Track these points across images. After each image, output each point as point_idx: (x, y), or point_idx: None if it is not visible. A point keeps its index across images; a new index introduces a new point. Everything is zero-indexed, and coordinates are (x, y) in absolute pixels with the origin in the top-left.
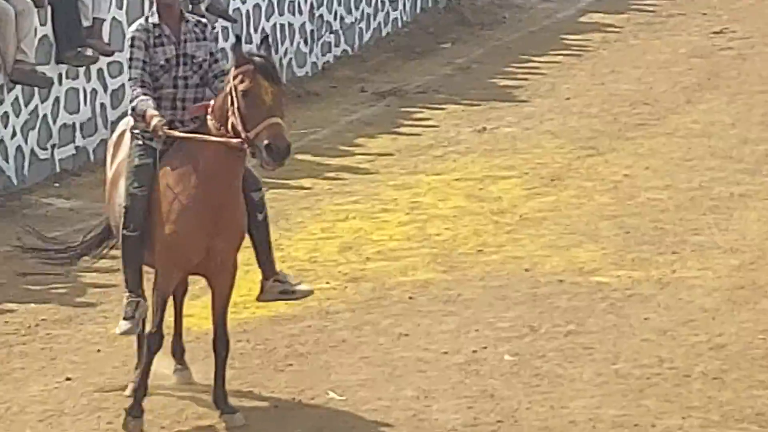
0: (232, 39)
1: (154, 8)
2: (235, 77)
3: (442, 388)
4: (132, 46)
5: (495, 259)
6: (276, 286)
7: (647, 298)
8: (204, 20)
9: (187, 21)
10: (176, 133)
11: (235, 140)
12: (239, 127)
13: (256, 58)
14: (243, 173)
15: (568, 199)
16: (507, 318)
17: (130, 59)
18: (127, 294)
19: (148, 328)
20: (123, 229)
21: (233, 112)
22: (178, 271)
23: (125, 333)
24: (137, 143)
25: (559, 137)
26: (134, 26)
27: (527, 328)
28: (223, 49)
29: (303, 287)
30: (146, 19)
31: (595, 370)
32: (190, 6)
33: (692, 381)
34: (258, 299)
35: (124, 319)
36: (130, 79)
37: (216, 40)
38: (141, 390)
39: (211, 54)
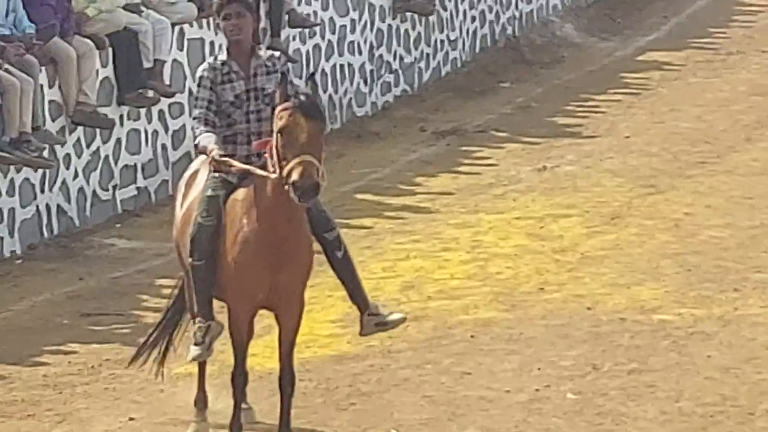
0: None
1: (225, 46)
2: (277, 114)
3: (505, 427)
4: (198, 85)
5: (556, 297)
6: (372, 320)
7: (710, 336)
8: (277, 53)
9: (258, 56)
10: (233, 162)
11: (273, 175)
12: (275, 164)
13: (299, 97)
14: (312, 213)
15: (629, 238)
16: (569, 356)
17: (196, 98)
18: (198, 319)
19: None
20: (189, 257)
21: (272, 149)
22: (245, 305)
23: (195, 359)
24: (213, 176)
25: (620, 176)
26: (203, 65)
27: (590, 366)
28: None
29: (395, 317)
30: (215, 58)
31: (658, 409)
32: (269, 38)
33: (756, 419)
34: (360, 334)
35: (195, 344)
36: (194, 118)
37: (288, 71)
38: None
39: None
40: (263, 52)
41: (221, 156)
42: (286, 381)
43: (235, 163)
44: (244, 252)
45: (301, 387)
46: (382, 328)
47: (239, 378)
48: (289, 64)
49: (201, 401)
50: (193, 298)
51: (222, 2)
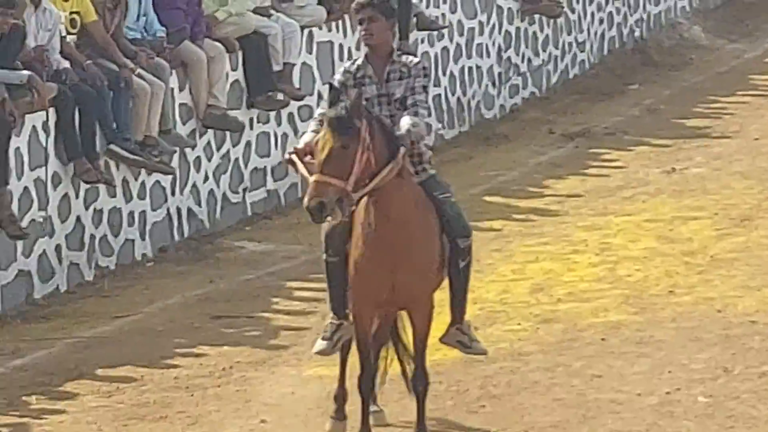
0: None
1: (363, 49)
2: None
3: (636, 430)
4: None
5: (686, 300)
6: (456, 335)
7: None
8: (414, 59)
9: (393, 61)
10: (296, 161)
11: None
12: None
13: (330, 110)
14: (447, 217)
15: (758, 240)
16: (700, 359)
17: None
18: (331, 315)
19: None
20: (323, 253)
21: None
22: (364, 305)
23: (320, 353)
24: None
25: (749, 178)
26: (341, 68)
27: (720, 369)
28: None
29: (478, 346)
30: (354, 62)
31: None
32: (397, 41)
33: None
34: (440, 340)
35: (322, 339)
36: (313, 118)
37: (423, 75)
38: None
39: (412, 89)
40: (402, 57)
41: (290, 153)
42: (419, 381)
43: (298, 163)
44: (362, 252)
45: (431, 389)
46: (461, 348)
47: (365, 382)
48: (425, 70)
49: (340, 397)
50: (329, 294)
51: (357, 7)
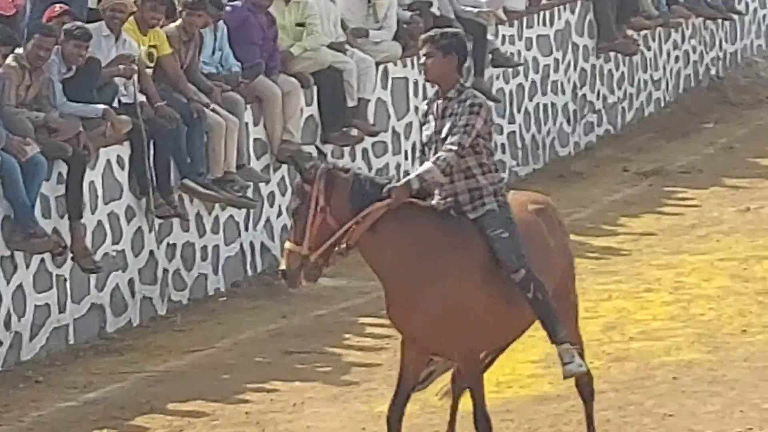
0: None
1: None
2: None
3: None
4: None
5: (760, 339)
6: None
7: None
8: (469, 93)
9: (449, 98)
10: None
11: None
12: None
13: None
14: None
15: None
16: None
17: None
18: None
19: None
20: None
21: None
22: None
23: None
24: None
25: None
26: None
27: None
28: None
29: (570, 367)
30: (436, 93)
31: None
32: (472, 77)
33: None
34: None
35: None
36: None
37: (470, 112)
38: None
39: (453, 127)
40: (462, 94)
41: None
42: (478, 424)
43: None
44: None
45: (502, 427)
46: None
47: (389, 416)
48: (473, 107)
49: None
50: None
51: (420, 43)
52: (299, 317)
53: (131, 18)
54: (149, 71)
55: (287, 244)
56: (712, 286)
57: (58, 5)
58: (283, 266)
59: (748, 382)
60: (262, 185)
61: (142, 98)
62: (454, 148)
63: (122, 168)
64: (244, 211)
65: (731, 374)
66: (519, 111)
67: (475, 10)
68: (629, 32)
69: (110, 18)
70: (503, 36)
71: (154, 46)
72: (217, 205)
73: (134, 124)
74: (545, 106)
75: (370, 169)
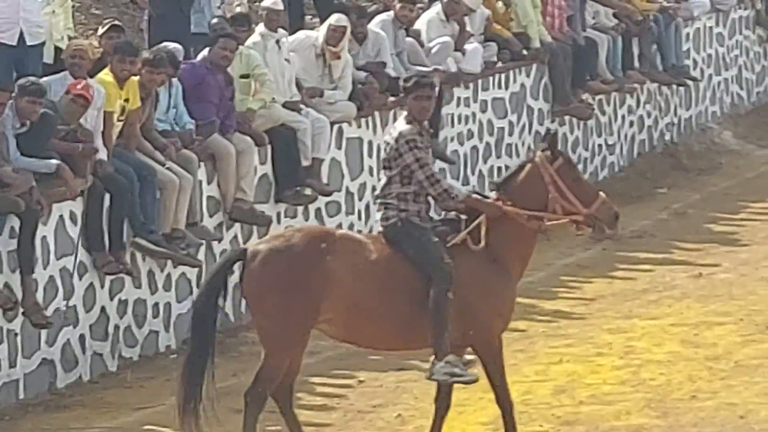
0: (448, 179)
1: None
2: None
3: None
4: (417, 147)
5: (709, 405)
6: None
7: None
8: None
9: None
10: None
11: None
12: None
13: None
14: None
15: None
16: None
17: (418, 159)
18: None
19: None
20: None
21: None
22: None
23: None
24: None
25: None
26: (407, 129)
27: None
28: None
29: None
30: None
31: None
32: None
33: None
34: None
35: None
36: (428, 177)
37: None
38: None
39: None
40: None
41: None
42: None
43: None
44: None
45: None
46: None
47: None
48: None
49: None
50: None
51: (416, 86)
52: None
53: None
54: (119, 125)
55: None
56: (663, 351)
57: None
58: None
59: None
60: (214, 243)
61: (103, 155)
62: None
63: (75, 224)
64: (196, 268)
65: None
66: (473, 173)
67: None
68: (584, 96)
69: (71, 65)
70: (458, 98)
71: (126, 100)
72: (169, 262)
73: (92, 180)
74: (499, 168)
75: None
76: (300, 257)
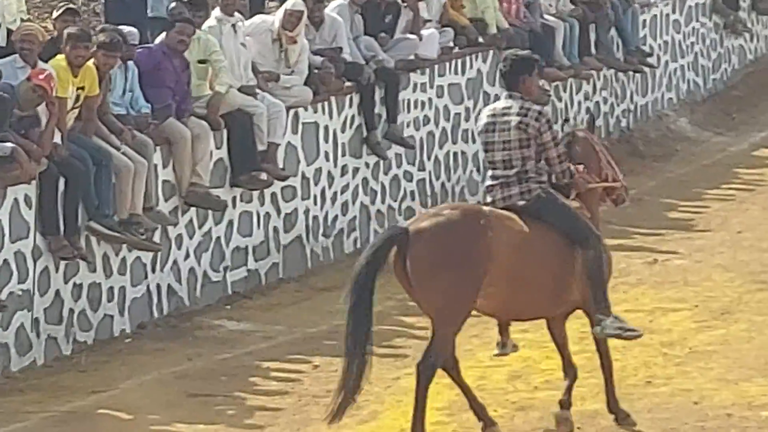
0: (404, 166)
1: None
2: None
3: None
4: (552, 127)
5: (663, 391)
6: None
7: None
8: None
9: None
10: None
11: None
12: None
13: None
14: None
15: (738, 333)
16: None
17: (554, 138)
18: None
19: None
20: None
21: None
22: None
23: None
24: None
25: (730, 271)
26: (544, 109)
27: None
28: None
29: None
30: None
31: None
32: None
33: None
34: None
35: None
36: (560, 155)
37: None
38: None
39: None
40: None
41: None
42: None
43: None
44: None
45: None
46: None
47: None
48: None
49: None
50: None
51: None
52: (204, 360)
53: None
54: (74, 112)
55: None
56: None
57: None
58: None
59: None
60: (169, 228)
61: (57, 138)
62: None
63: (30, 207)
64: (151, 253)
65: (634, 426)
66: (429, 159)
67: (388, 57)
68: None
69: (21, 49)
70: (415, 84)
71: (81, 88)
72: (124, 247)
73: (47, 164)
74: (455, 154)
75: (278, 213)
76: (465, 233)
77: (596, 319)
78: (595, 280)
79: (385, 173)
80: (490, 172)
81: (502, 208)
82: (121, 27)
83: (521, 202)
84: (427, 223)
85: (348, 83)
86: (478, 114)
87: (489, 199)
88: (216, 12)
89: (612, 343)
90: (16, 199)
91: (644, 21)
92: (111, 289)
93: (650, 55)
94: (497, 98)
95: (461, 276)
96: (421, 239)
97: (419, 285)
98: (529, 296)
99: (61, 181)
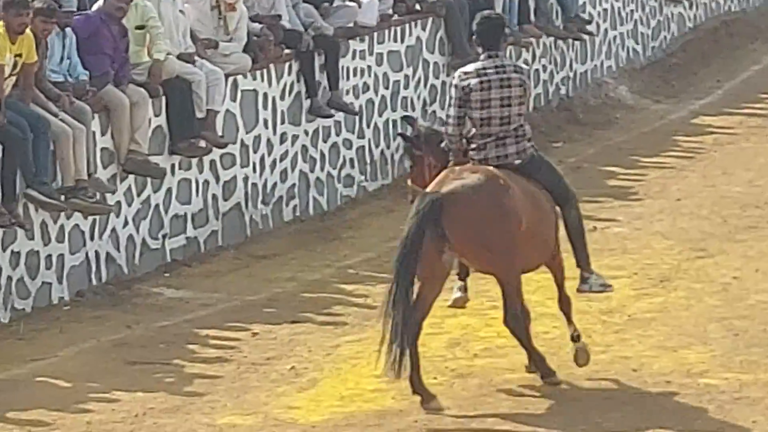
0: (343, 134)
1: None
2: None
3: None
4: None
5: (603, 358)
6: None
7: (755, 401)
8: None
9: None
10: None
11: None
12: None
13: None
14: None
15: (676, 300)
16: (613, 418)
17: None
18: None
19: None
20: None
21: None
22: None
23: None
24: None
25: (669, 238)
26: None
27: (634, 428)
28: None
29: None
30: None
31: None
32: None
33: None
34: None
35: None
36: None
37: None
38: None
39: None
40: None
41: None
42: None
43: None
44: None
45: None
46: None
47: None
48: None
49: None
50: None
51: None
52: (143, 328)
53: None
54: (12, 80)
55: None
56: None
57: None
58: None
59: (590, 400)
60: (108, 195)
61: None
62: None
63: None
64: (90, 220)
65: (574, 393)
66: (369, 126)
67: (327, 24)
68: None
69: None
70: (354, 51)
71: (19, 55)
72: (62, 214)
73: None
74: (395, 121)
75: (217, 181)
76: (494, 191)
77: (583, 276)
78: (579, 239)
79: (325, 141)
80: (479, 130)
81: (496, 167)
82: None
83: (518, 161)
84: (457, 185)
85: (287, 51)
86: (418, 82)
87: (479, 157)
88: None
89: (551, 310)
90: None
91: None
92: (49, 256)
93: (589, 22)
94: (436, 66)
95: (505, 228)
96: (457, 203)
97: (467, 245)
98: (532, 251)
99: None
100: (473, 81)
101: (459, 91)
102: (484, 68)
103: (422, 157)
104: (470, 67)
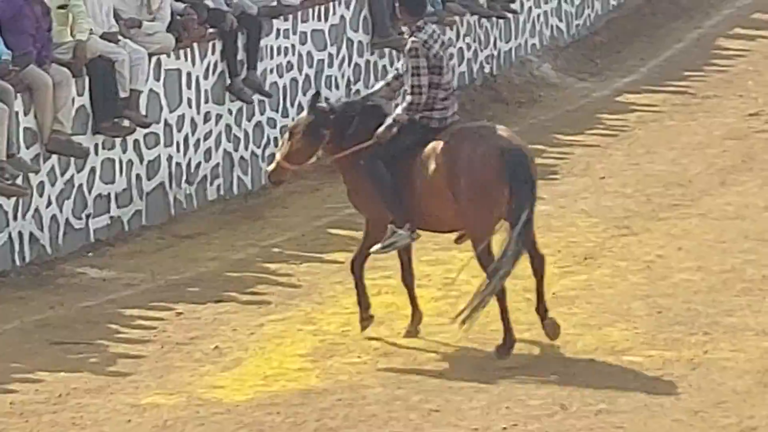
0: (267, 113)
1: None
2: None
3: None
4: None
5: (527, 336)
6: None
7: (679, 379)
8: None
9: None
10: None
11: None
12: None
13: None
14: None
15: (600, 278)
16: (538, 396)
17: None
18: None
19: None
20: None
21: None
22: None
23: None
24: None
25: (593, 216)
26: None
27: (558, 406)
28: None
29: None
30: None
31: None
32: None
33: None
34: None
35: None
36: None
37: (411, 56)
38: None
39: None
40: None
41: None
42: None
43: None
44: None
45: (268, 421)
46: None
47: None
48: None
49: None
50: None
51: None
52: (66, 308)
53: None
54: None
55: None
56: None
57: None
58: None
59: (514, 378)
60: (31, 175)
61: None
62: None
63: None
64: (12, 200)
65: (498, 371)
66: (293, 105)
67: (250, 3)
68: (404, 28)
69: None
70: (278, 30)
71: None
72: None
73: None
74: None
75: (141, 161)
76: None
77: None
78: None
79: (249, 120)
80: (438, 93)
81: (449, 125)
82: None
83: (457, 118)
84: (511, 136)
85: (210, 30)
86: (342, 61)
87: (441, 116)
88: None
89: (474, 288)
90: None
91: None
92: None
93: (513, 1)
94: (360, 44)
95: None
96: (529, 150)
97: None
98: None
99: None
100: (436, 47)
101: (429, 60)
102: (435, 33)
103: (324, 135)
104: (423, 35)
